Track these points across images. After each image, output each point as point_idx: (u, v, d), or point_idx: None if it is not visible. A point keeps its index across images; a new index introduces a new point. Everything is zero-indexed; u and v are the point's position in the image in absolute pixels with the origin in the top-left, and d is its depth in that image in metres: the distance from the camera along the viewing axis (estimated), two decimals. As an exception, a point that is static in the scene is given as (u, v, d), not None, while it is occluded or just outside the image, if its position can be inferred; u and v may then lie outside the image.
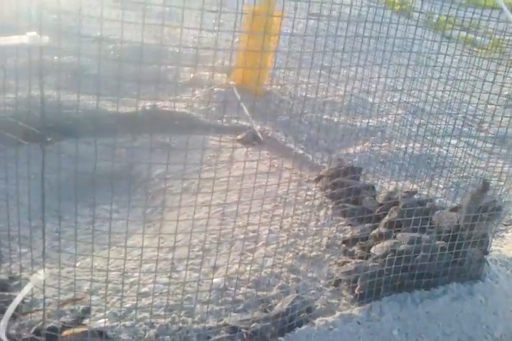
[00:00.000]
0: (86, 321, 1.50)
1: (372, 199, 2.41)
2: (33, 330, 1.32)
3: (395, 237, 1.92)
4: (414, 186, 2.66)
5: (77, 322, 1.46)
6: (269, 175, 2.61)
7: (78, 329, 1.41)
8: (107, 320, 1.49)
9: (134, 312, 1.60)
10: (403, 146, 3.24)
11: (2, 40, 0.94)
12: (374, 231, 1.97)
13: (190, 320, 1.60)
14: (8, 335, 1.23)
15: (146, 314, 1.60)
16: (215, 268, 1.84)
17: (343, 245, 2.12)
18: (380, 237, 1.90)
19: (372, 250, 1.87)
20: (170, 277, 1.75)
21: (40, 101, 1.20)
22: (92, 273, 1.61)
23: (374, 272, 1.78)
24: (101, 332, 1.44)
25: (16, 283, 1.73)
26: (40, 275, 1.15)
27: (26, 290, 1.14)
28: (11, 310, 1.15)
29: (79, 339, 1.35)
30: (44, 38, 0.94)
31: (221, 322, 1.60)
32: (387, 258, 1.78)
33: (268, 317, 1.58)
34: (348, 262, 1.90)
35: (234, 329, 1.53)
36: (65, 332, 1.40)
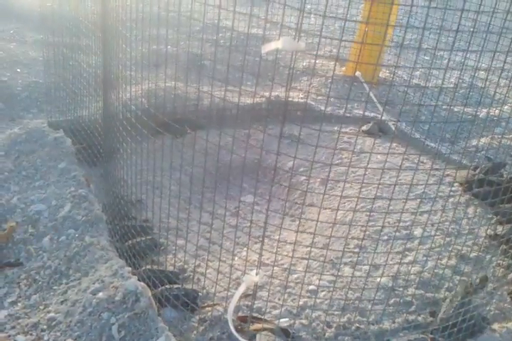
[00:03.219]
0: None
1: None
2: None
3: None
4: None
5: (261, 318, 1.47)
6: (405, 170, 2.54)
7: (267, 326, 1.42)
8: (289, 319, 1.49)
9: (307, 310, 1.59)
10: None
11: (265, 47, 0.94)
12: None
13: (365, 320, 1.57)
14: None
15: (320, 312, 1.59)
16: (376, 267, 1.80)
17: (503, 245, 2.01)
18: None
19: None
20: (335, 275, 1.73)
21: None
22: (259, 266, 1.61)
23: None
24: (287, 331, 1.45)
25: (185, 275, 1.78)
26: (254, 276, 1.15)
27: (241, 289, 1.15)
28: (232, 307, 1.16)
29: (266, 335, 1.36)
30: (301, 44, 0.92)
31: (397, 324, 1.56)
32: None
33: (448, 322, 1.52)
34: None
35: (416, 333, 1.49)
36: (254, 327, 1.41)
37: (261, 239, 2.01)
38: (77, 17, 2.40)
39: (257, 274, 1.17)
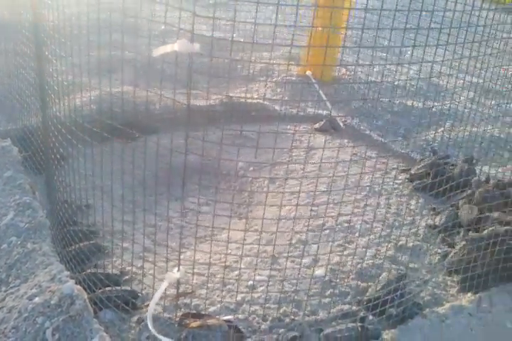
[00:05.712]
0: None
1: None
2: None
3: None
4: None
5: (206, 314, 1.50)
6: (353, 164, 2.59)
7: (208, 322, 1.45)
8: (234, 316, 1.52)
9: (244, 305, 1.63)
10: (481, 129, 3.13)
11: (158, 49, 0.97)
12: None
13: (301, 312, 1.61)
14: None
15: (257, 307, 1.62)
16: (316, 260, 1.85)
17: (441, 235, 2.07)
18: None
19: (476, 239, 1.82)
20: (272, 269, 1.77)
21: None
22: (195, 267, 1.64)
23: (483, 262, 1.73)
24: (237, 328, 1.47)
25: (127, 277, 1.80)
26: (175, 273, 1.18)
27: (163, 287, 1.18)
28: (152, 305, 1.19)
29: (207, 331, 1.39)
30: (195, 45, 0.95)
31: (331, 315, 1.61)
32: (496, 248, 1.73)
33: (379, 309, 1.57)
34: (451, 252, 1.86)
35: (347, 322, 1.54)
36: (193, 324, 1.43)
37: (206, 239, 2.05)
38: (17, 25, 2.41)
39: (178, 271, 1.20)
